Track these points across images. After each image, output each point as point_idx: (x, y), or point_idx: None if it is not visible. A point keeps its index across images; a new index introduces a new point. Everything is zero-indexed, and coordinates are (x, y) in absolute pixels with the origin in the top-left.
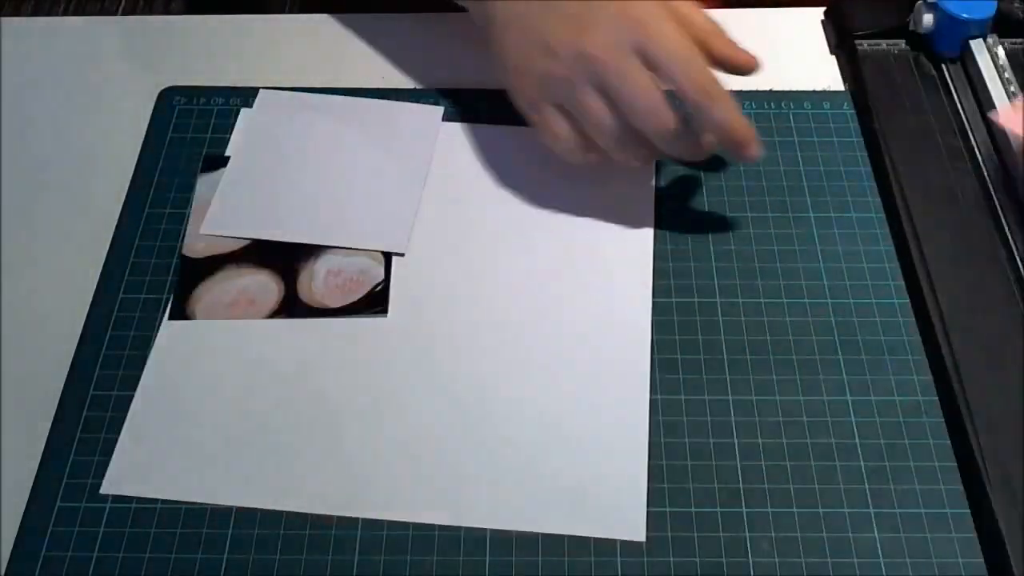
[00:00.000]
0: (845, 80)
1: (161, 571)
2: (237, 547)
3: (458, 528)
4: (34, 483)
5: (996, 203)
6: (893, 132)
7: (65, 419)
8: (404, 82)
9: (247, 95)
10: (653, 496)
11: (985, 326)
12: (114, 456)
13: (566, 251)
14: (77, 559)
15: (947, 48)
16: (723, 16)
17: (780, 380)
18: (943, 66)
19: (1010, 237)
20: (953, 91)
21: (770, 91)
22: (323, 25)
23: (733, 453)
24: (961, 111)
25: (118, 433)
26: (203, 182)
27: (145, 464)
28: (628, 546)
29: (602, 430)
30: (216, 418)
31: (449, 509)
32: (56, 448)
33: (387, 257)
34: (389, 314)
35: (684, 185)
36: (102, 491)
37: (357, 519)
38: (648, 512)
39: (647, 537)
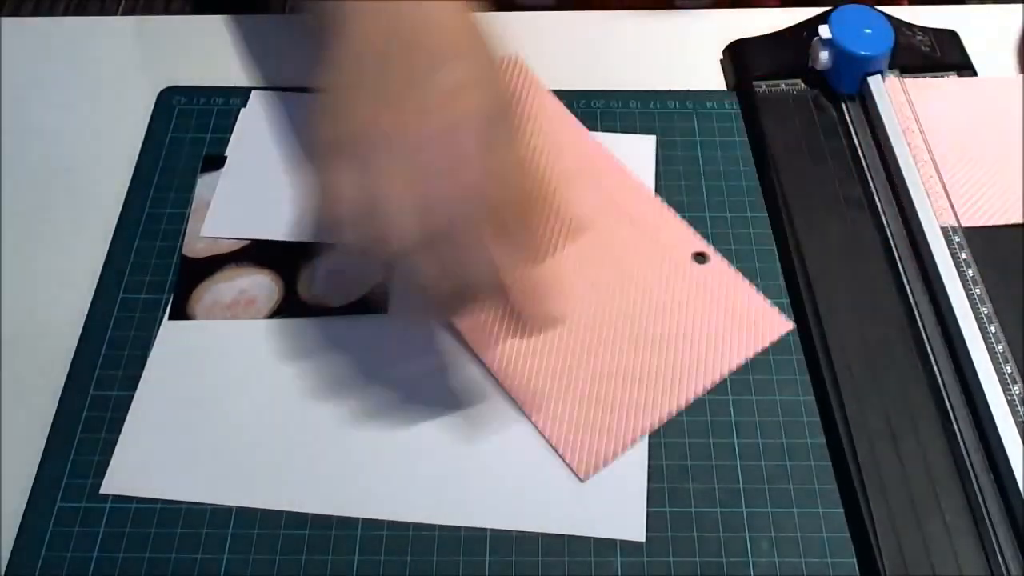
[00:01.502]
0: (744, 121)
1: (161, 571)
2: (237, 547)
3: (458, 528)
4: (34, 483)
5: (896, 252)
6: (791, 181)
7: (65, 419)
8: None
9: (247, 95)
10: (653, 496)
11: (883, 380)
12: (114, 456)
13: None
14: (77, 559)
15: (846, 86)
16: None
17: (780, 380)
18: (843, 105)
19: (908, 287)
20: (852, 131)
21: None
22: None
23: (733, 453)
24: (860, 154)
25: (118, 433)
26: (203, 182)
27: (145, 464)
28: (628, 546)
29: None
30: (216, 418)
31: (449, 509)
32: (56, 448)
33: None
34: (389, 314)
35: None
36: (102, 491)
37: (357, 519)
38: (648, 512)
39: (647, 537)
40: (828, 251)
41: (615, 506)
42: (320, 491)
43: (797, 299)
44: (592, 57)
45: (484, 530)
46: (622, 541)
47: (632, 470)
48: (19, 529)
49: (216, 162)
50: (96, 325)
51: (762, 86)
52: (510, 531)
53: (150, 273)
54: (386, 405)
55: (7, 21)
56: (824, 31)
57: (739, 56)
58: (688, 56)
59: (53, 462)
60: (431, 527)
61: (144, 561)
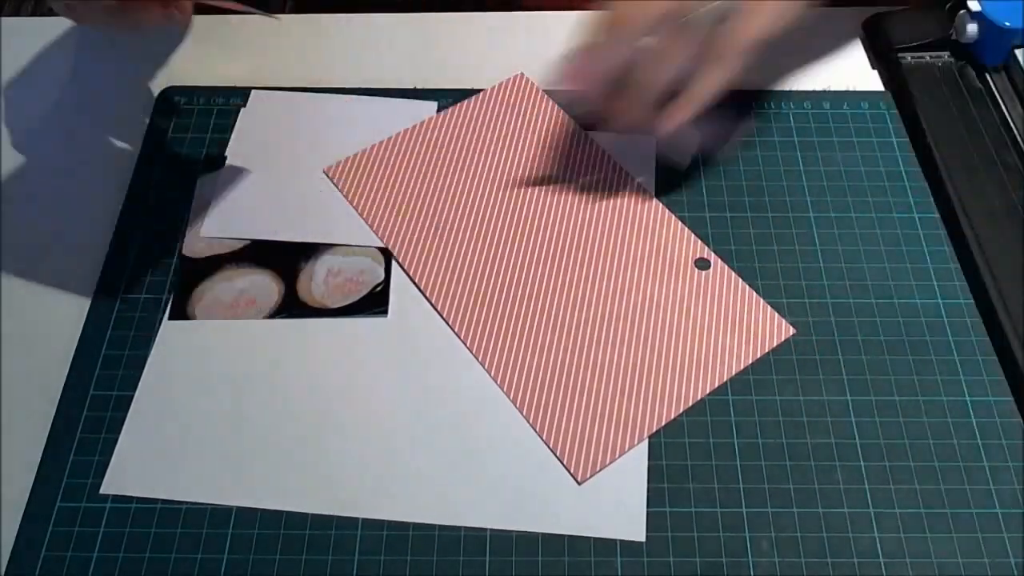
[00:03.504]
0: (890, 91)
1: (161, 571)
2: (237, 547)
3: (458, 528)
4: (34, 483)
5: None
6: (945, 144)
7: (65, 419)
8: (403, 82)
9: (247, 95)
10: (653, 496)
11: None
12: (114, 456)
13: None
14: (77, 559)
15: (992, 58)
16: None
17: (780, 380)
18: (988, 76)
19: None
20: (1001, 101)
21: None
22: (323, 25)
23: (733, 453)
24: (1010, 121)
25: (118, 433)
26: (203, 182)
27: (145, 464)
28: (628, 546)
29: None
30: (216, 418)
31: (449, 509)
32: (56, 448)
33: (387, 257)
34: (389, 314)
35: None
36: (102, 491)
37: (357, 519)
38: (648, 512)
39: (647, 537)
40: (992, 216)
41: (615, 506)
42: (320, 491)
43: (969, 263)
44: None
45: (484, 530)
46: (622, 541)
47: (632, 470)
48: (19, 529)
49: (216, 162)
50: (96, 325)
51: (907, 57)
52: (510, 531)
53: (150, 273)
54: (386, 405)
55: (7, 21)
56: (973, 3)
57: (880, 27)
58: None
59: (53, 462)
60: (431, 527)
61: (144, 561)
